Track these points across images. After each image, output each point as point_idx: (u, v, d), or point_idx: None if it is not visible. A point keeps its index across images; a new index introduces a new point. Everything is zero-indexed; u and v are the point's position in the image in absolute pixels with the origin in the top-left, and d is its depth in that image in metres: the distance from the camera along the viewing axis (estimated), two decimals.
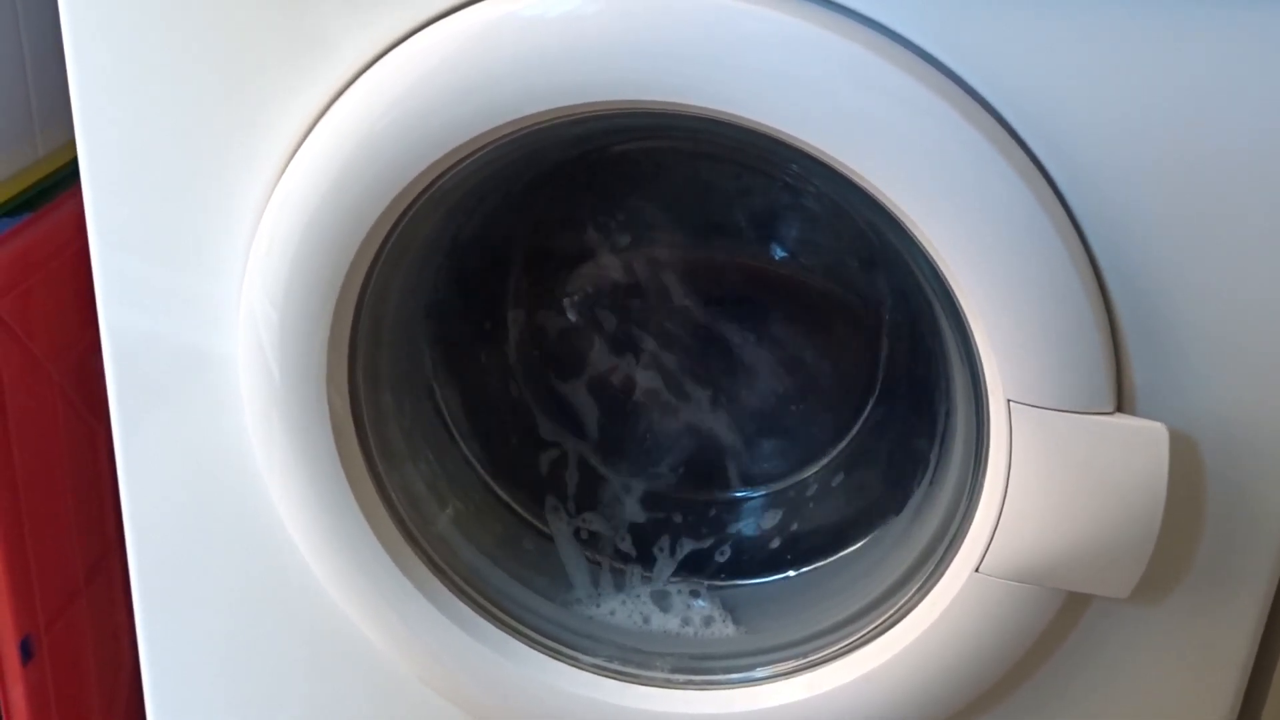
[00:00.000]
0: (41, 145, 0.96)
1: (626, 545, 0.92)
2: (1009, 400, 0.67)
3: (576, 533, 0.93)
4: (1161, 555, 0.70)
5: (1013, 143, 0.64)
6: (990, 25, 0.63)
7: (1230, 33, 0.62)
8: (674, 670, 0.83)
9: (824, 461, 0.95)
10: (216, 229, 0.74)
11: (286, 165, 0.71)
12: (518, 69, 0.65)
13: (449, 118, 0.67)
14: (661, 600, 0.89)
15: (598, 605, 0.88)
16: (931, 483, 0.84)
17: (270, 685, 0.87)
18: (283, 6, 0.68)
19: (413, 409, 0.86)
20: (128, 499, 0.83)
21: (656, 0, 0.63)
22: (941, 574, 0.74)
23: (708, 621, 0.87)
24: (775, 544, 0.93)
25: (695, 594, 0.90)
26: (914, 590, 0.76)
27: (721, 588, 0.90)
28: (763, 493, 0.96)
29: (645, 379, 0.96)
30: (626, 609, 0.88)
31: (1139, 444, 0.67)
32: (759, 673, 0.81)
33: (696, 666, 0.83)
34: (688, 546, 0.93)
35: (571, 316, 0.95)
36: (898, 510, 0.87)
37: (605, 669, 0.82)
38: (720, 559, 0.93)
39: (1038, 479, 0.68)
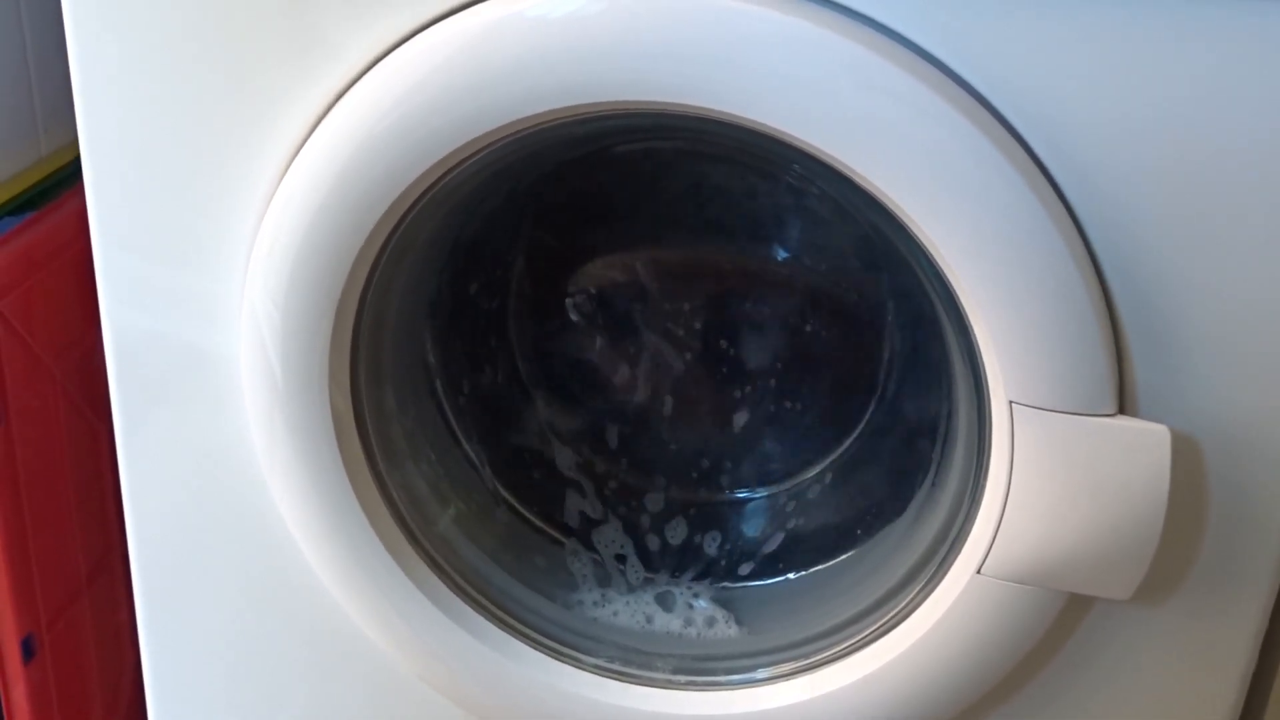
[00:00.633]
0: (44, 144, 0.96)
1: (629, 546, 0.92)
2: (1011, 402, 0.67)
3: (578, 533, 0.93)
4: (1163, 557, 0.70)
5: (1015, 143, 0.64)
6: (992, 26, 0.63)
7: (1232, 33, 0.62)
8: (676, 671, 0.83)
9: (826, 463, 0.95)
10: (219, 228, 0.74)
11: (289, 164, 0.71)
12: (520, 69, 0.65)
13: (451, 118, 0.67)
14: (663, 601, 0.89)
15: (599, 606, 0.88)
16: (933, 484, 0.84)
17: (271, 684, 0.87)
18: (285, 6, 0.68)
19: (415, 408, 0.86)
20: (129, 498, 0.83)
21: (659, 1, 0.63)
22: (943, 575, 0.74)
23: (709, 622, 0.87)
24: (777, 545, 0.93)
25: (697, 595, 0.90)
26: (915, 592, 0.76)
27: (723, 589, 0.90)
28: (765, 494, 0.96)
29: (647, 379, 0.96)
30: (628, 609, 0.88)
31: (1141, 446, 0.67)
32: (761, 674, 0.81)
33: (698, 667, 0.83)
34: (690, 547, 0.93)
35: (573, 317, 0.95)
36: (899, 512, 0.87)
37: (607, 669, 0.82)
38: (722, 560, 0.92)
39: (1040, 480, 0.68)
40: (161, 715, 0.90)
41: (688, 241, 0.93)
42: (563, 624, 0.85)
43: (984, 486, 0.71)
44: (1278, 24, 0.61)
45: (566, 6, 0.64)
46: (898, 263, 0.80)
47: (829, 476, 0.95)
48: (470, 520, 0.88)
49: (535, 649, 0.82)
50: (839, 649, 0.79)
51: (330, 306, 0.72)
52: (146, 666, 0.89)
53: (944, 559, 0.75)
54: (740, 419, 0.96)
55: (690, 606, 0.89)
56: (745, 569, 0.92)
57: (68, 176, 0.97)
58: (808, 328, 0.94)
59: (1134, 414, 0.69)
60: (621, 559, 0.92)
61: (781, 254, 0.92)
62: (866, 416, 0.94)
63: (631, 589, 0.90)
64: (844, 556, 0.90)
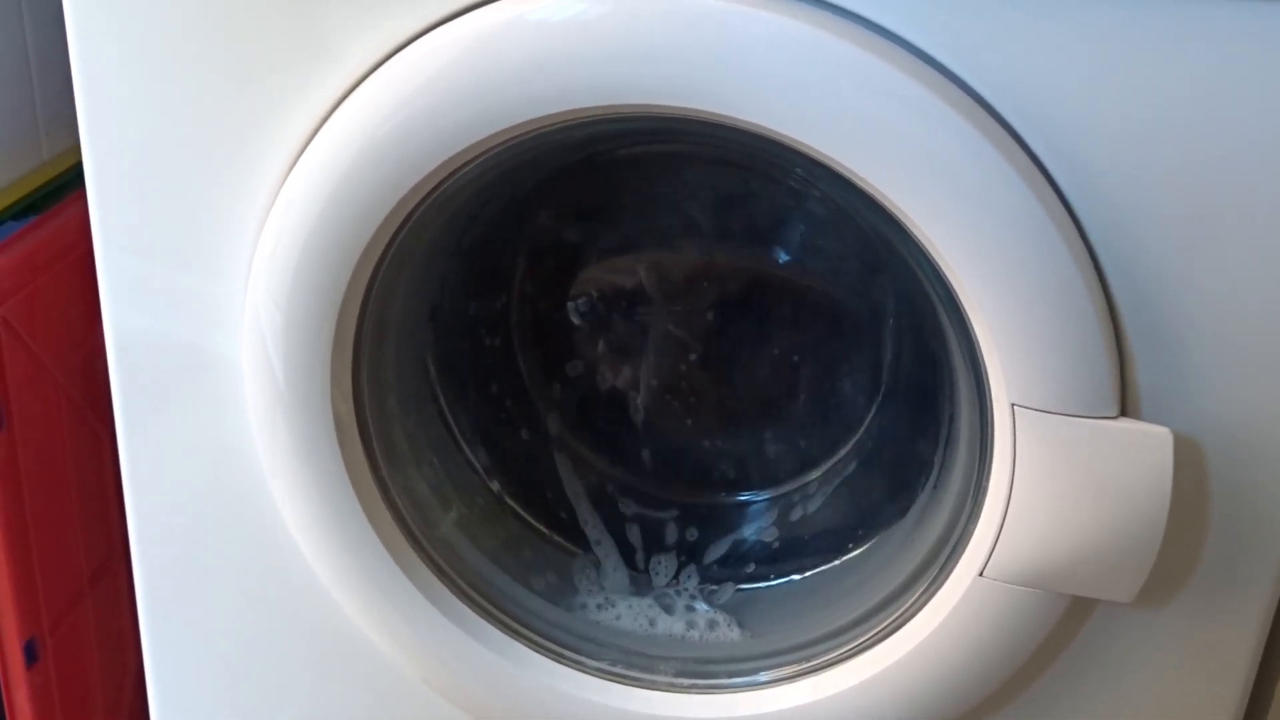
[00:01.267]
0: (47, 148, 0.96)
1: (630, 549, 0.92)
2: (1013, 404, 0.67)
3: (581, 536, 0.93)
4: (1166, 559, 0.70)
5: (1016, 146, 0.64)
6: (992, 28, 0.63)
7: (1232, 34, 0.62)
8: (678, 674, 0.82)
9: (828, 465, 0.95)
10: (221, 231, 0.74)
11: (291, 168, 0.71)
12: (523, 73, 0.65)
13: (454, 121, 0.67)
14: (666, 604, 0.89)
15: (602, 609, 0.88)
16: (935, 486, 0.84)
17: (274, 688, 0.87)
18: (288, 9, 0.68)
19: (417, 412, 0.86)
20: (132, 501, 0.83)
21: (660, 4, 0.64)
22: (946, 578, 0.74)
23: (712, 625, 0.87)
24: (779, 548, 0.93)
25: (699, 598, 0.90)
26: (918, 594, 0.76)
27: (725, 592, 0.90)
28: (767, 496, 0.96)
29: (649, 382, 0.96)
30: (631, 613, 0.88)
31: (1143, 448, 0.67)
32: (763, 676, 0.81)
33: (701, 670, 0.83)
34: (692, 550, 0.93)
35: (576, 320, 0.95)
36: (902, 514, 0.87)
37: (609, 673, 0.82)
38: (724, 563, 0.92)
39: (1042, 483, 0.68)
40: (164, 718, 0.90)
41: (690, 245, 0.93)
42: (565, 627, 0.85)
43: (986, 489, 0.71)
44: (1278, 25, 0.61)
45: (569, 10, 0.64)
46: (899, 265, 0.80)
47: (831, 479, 0.95)
48: (472, 523, 0.88)
49: (537, 652, 0.82)
50: (842, 651, 0.79)
51: (332, 309, 0.72)
52: (149, 669, 0.89)
53: (946, 561, 0.75)
54: (743, 422, 0.96)
55: (692, 609, 0.89)
56: (747, 572, 0.92)
57: (69, 180, 0.97)
58: (810, 330, 0.94)
59: (1136, 416, 0.69)
60: (623, 562, 0.92)
61: (784, 257, 0.92)
62: (868, 419, 0.94)
63: (634, 592, 0.90)
64: (846, 559, 0.89)
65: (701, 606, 0.89)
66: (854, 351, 0.94)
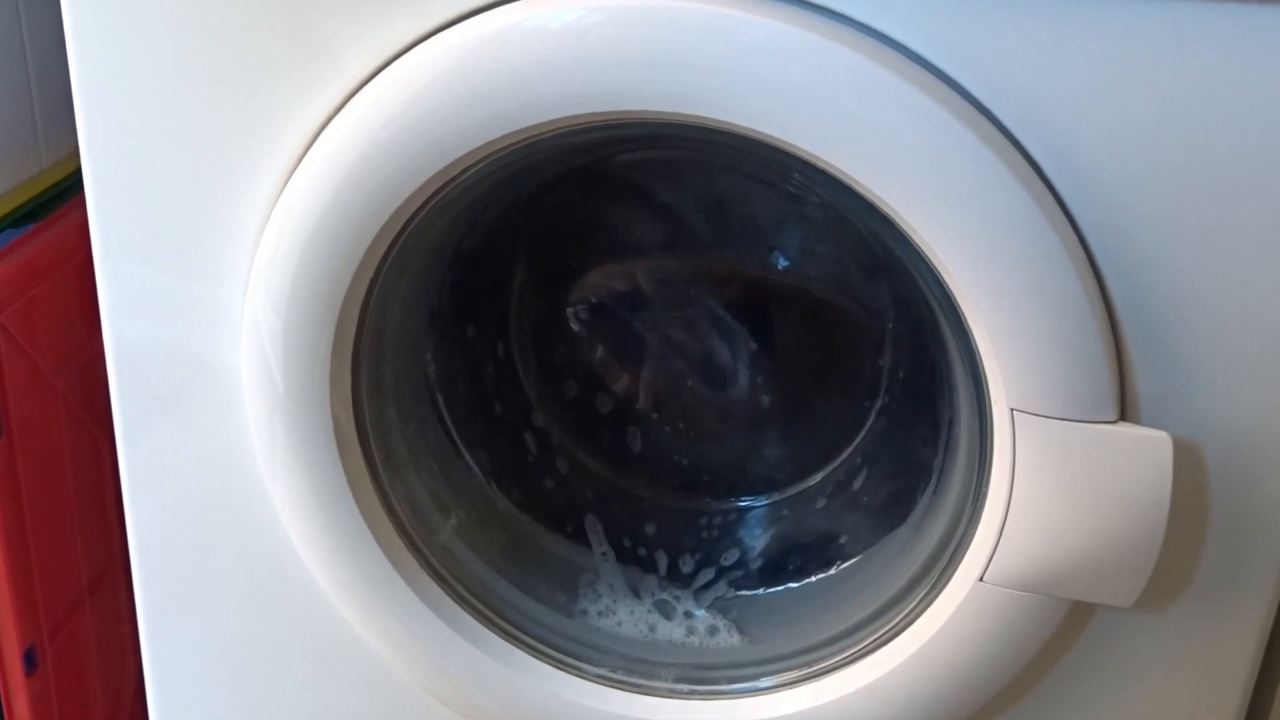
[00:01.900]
0: (45, 156, 0.96)
1: (631, 555, 0.92)
2: (1012, 409, 0.67)
3: (581, 542, 0.93)
4: (1166, 564, 0.70)
5: (1014, 150, 0.64)
6: (990, 33, 0.63)
7: (1232, 38, 0.62)
8: (678, 680, 0.82)
9: (827, 470, 0.95)
10: (220, 238, 0.74)
11: (291, 174, 0.71)
12: (521, 80, 0.65)
13: (452, 128, 0.67)
14: (666, 610, 0.89)
15: (602, 615, 0.88)
16: (935, 491, 0.84)
17: (274, 695, 0.87)
18: (287, 16, 0.69)
19: (416, 418, 0.86)
20: (131, 508, 0.83)
21: (658, 11, 0.64)
22: (945, 583, 0.74)
23: (712, 631, 0.87)
24: (779, 553, 0.93)
25: (699, 604, 0.89)
26: (918, 599, 0.76)
27: (725, 597, 0.90)
28: (766, 502, 0.96)
29: (648, 388, 0.96)
30: (631, 619, 0.88)
31: (1143, 453, 0.67)
32: (763, 682, 0.81)
33: (701, 676, 0.83)
34: (691, 556, 0.93)
35: (574, 326, 0.95)
36: (901, 519, 0.87)
37: (610, 679, 0.82)
38: (724, 568, 0.92)
39: (1041, 488, 0.68)
40: None
41: (689, 251, 0.93)
42: (565, 633, 0.85)
43: (986, 494, 0.71)
44: (1276, 28, 0.61)
45: (566, 17, 0.64)
46: (898, 270, 0.80)
47: (830, 484, 0.95)
48: (472, 530, 0.88)
49: (538, 659, 0.82)
50: (841, 657, 0.79)
51: (332, 316, 0.72)
52: (148, 677, 0.89)
53: (946, 566, 0.75)
54: (742, 427, 0.96)
55: (692, 615, 0.89)
56: (747, 577, 0.92)
57: (68, 188, 0.97)
58: (809, 335, 0.94)
59: (1136, 421, 0.69)
60: (623, 568, 0.91)
61: (782, 262, 0.92)
62: (868, 424, 0.94)
63: (634, 598, 0.90)
64: (846, 564, 0.89)
65: (701, 612, 0.89)
66: (852, 356, 0.94)
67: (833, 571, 0.90)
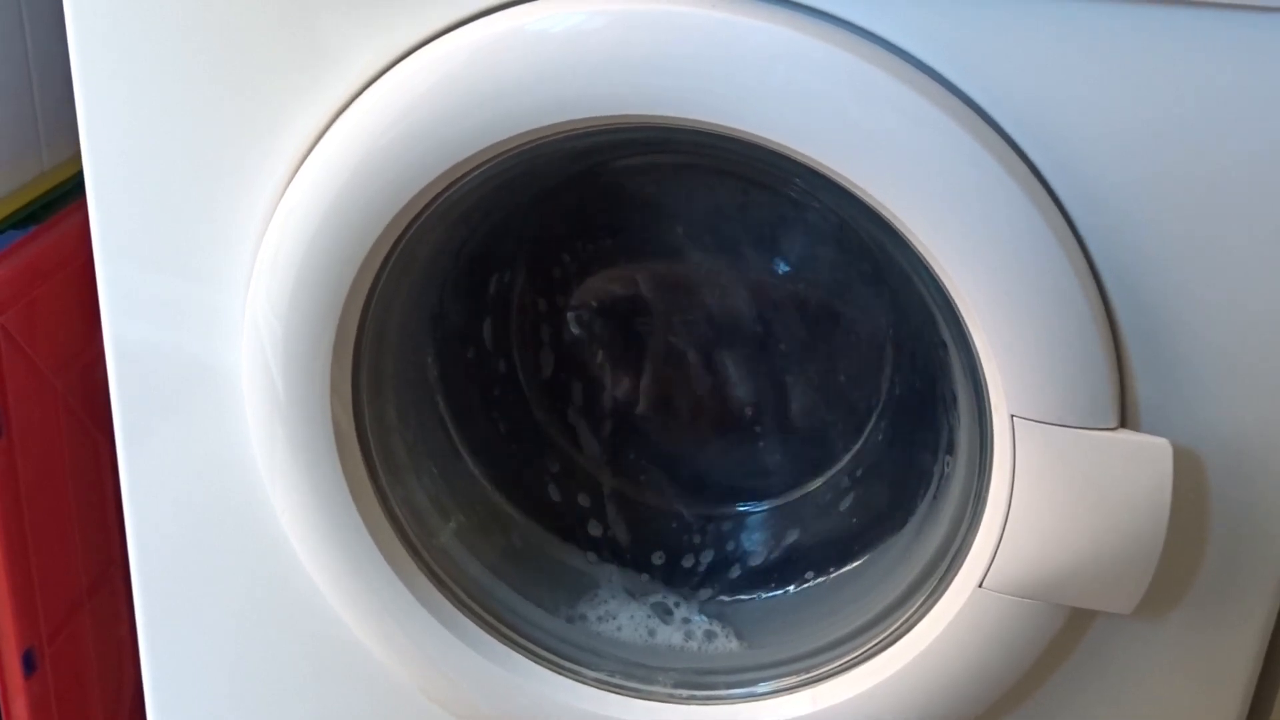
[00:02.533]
0: (47, 159, 0.96)
1: (630, 559, 0.92)
2: (1012, 415, 0.67)
3: (580, 546, 0.93)
4: (1166, 570, 0.70)
5: (1015, 156, 0.64)
6: (992, 38, 0.63)
7: (1232, 45, 0.62)
8: (677, 685, 0.82)
9: (827, 476, 0.95)
10: (221, 241, 0.74)
11: (292, 177, 0.71)
12: (522, 84, 0.65)
13: (454, 132, 0.67)
14: (664, 615, 0.89)
15: (601, 620, 0.88)
16: (935, 497, 0.83)
17: (273, 698, 0.87)
18: (288, 20, 0.69)
19: (416, 421, 0.86)
20: (131, 511, 0.83)
21: (660, 16, 0.64)
22: (945, 589, 0.74)
23: (710, 636, 0.87)
24: (778, 558, 0.93)
25: (698, 608, 0.89)
26: (917, 605, 0.76)
27: (724, 602, 0.90)
28: (766, 507, 0.96)
29: (649, 392, 0.96)
30: (631, 623, 0.88)
31: (1143, 459, 0.67)
32: (762, 688, 0.81)
33: (699, 681, 0.83)
34: (691, 561, 0.93)
35: (575, 330, 0.95)
36: (901, 525, 0.87)
37: (608, 683, 0.82)
38: (723, 573, 0.92)
39: (1041, 494, 0.68)
40: None
41: (689, 256, 0.93)
42: (564, 638, 0.85)
43: (986, 500, 0.71)
44: (1277, 35, 0.61)
45: (568, 22, 0.65)
46: (899, 276, 0.80)
47: (831, 489, 0.94)
48: (472, 533, 0.88)
49: (536, 662, 0.82)
50: (840, 663, 0.79)
51: (332, 319, 0.72)
52: (147, 680, 0.89)
53: (946, 572, 0.75)
54: (742, 433, 0.96)
55: (691, 620, 0.89)
56: (746, 582, 0.92)
57: (70, 191, 0.97)
58: (809, 340, 0.94)
59: (1136, 427, 0.69)
60: (622, 573, 0.91)
61: (783, 268, 0.92)
62: (868, 430, 0.94)
63: (633, 602, 0.90)
64: (845, 570, 0.89)
65: (700, 617, 0.89)
66: (852, 362, 0.94)
67: (832, 577, 0.90)
